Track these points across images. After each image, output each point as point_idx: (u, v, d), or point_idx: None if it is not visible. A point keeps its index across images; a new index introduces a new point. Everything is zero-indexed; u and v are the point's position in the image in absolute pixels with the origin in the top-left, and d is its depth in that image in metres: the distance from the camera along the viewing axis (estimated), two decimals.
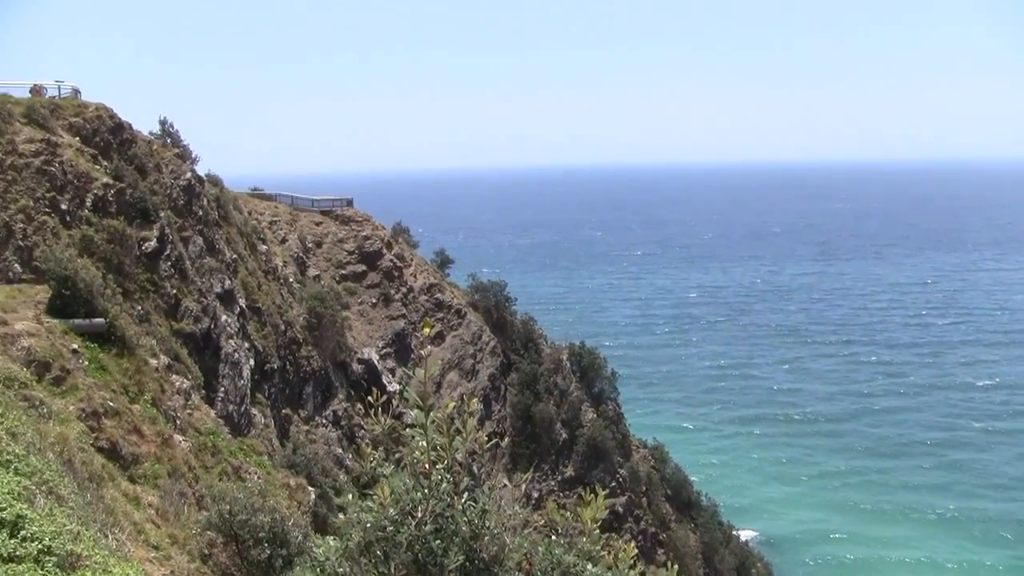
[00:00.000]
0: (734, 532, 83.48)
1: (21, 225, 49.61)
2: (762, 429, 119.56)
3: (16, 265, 48.07)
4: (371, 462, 8.23)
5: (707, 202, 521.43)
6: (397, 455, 8.11)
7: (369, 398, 8.33)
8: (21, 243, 49.00)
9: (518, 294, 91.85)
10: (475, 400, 8.11)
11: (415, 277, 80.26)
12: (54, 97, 60.35)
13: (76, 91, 62.65)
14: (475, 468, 8.00)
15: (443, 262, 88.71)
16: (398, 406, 62.17)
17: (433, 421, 7.86)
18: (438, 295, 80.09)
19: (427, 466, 7.83)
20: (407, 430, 8.02)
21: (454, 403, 7.88)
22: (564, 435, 76.96)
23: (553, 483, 75.37)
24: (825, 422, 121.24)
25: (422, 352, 7.93)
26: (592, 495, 8.40)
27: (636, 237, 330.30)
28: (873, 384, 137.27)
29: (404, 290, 78.69)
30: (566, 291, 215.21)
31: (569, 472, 76.07)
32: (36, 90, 59.84)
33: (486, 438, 8.07)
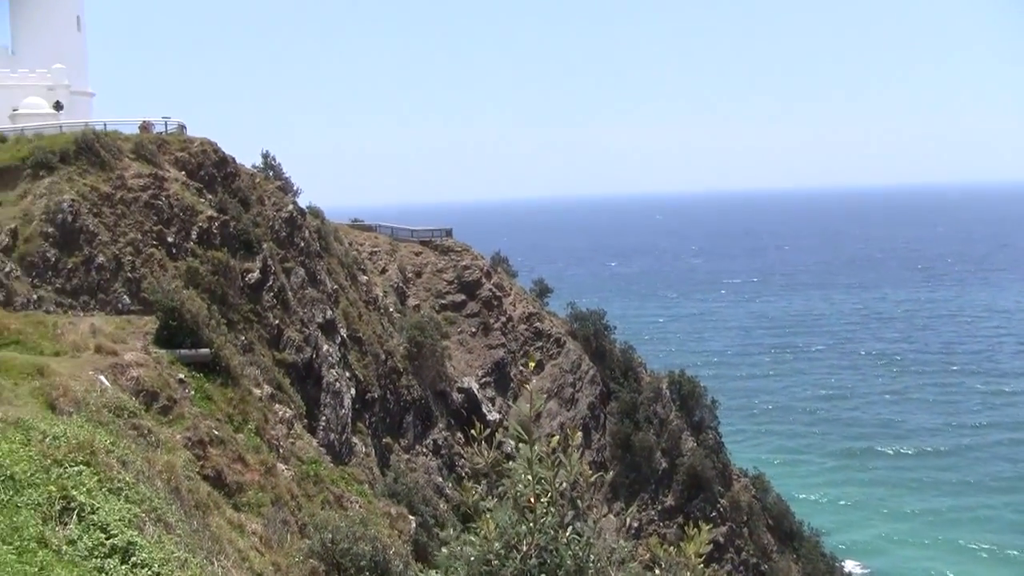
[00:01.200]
0: (837, 564, 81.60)
1: (130, 258, 50.84)
2: (866, 461, 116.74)
3: (125, 297, 49.22)
4: (473, 495, 8.21)
5: (807, 228, 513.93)
6: (500, 488, 8.09)
7: (472, 431, 8.32)
8: (130, 275, 50.20)
9: (617, 322, 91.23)
10: (578, 433, 8.06)
11: (514, 306, 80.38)
12: (161, 133, 61.89)
13: (182, 126, 64.16)
14: (579, 501, 7.95)
15: (542, 291, 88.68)
16: (499, 437, 62.20)
17: (537, 454, 7.82)
18: (537, 324, 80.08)
19: (531, 499, 7.79)
20: (510, 463, 8.00)
21: (557, 435, 7.85)
22: (664, 464, 76.29)
23: (653, 512, 74.71)
24: (932, 455, 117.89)
25: (526, 386, 7.91)
26: (696, 529, 8.28)
27: (737, 264, 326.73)
28: (982, 415, 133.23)
29: (503, 319, 78.84)
30: (666, 319, 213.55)
31: (669, 501, 75.34)
32: (144, 126, 61.44)
33: (590, 471, 8.01)
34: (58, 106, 67.17)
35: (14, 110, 65.38)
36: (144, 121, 62.48)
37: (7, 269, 44.80)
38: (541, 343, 79.10)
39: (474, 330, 77.71)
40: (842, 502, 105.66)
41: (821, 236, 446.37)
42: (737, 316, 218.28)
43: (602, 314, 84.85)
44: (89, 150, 53.46)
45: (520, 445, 7.87)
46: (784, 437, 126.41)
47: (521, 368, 77.09)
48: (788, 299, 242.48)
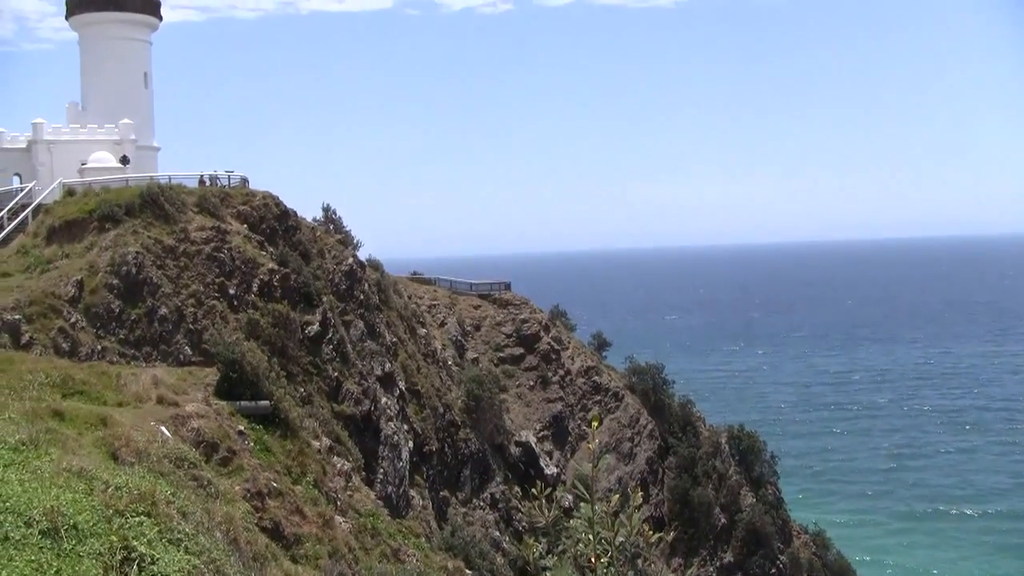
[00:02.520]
0: None
1: (192, 309, 51.47)
2: (933, 523, 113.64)
3: (187, 348, 49.79)
4: (534, 553, 8.16)
5: (868, 280, 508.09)
6: (560, 546, 8.04)
7: (533, 489, 8.28)
8: (191, 327, 50.80)
9: (676, 376, 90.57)
10: (639, 493, 7.99)
11: (573, 360, 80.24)
12: (224, 186, 62.89)
13: (244, 180, 65.21)
14: (639, 561, 7.86)
15: (601, 344, 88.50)
16: (556, 491, 61.75)
17: (597, 513, 7.77)
18: (596, 378, 79.84)
19: (592, 559, 7.72)
20: (571, 521, 7.94)
21: (618, 494, 7.79)
22: (723, 520, 75.43)
23: (712, 569, 73.75)
24: (1001, 517, 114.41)
25: (589, 445, 7.88)
26: None
27: (797, 317, 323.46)
28: None
29: (562, 373, 78.72)
30: (725, 374, 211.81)
31: (728, 558, 74.38)
32: (202, 181, 62.53)
33: (651, 531, 7.93)
34: (125, 160, 68.46)
35: (82, 164, 66.72)
36: (205, 174, 63.59)
37: (73, 320, 45.50)
38: (599, 397, 78.82)
39: (532, 383, 77.62)
40: (908, 565, 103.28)
41: (883, 288, 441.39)
42: (798, 370, 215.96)
43: (660, 368, 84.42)
44: (154, 203, 54.40)
45: (581, 504, 7.82)
46: (846, 497, 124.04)
47: (579, 422, 76.85)
48: (849, 353, 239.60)
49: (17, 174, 69.52)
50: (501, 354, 78.72)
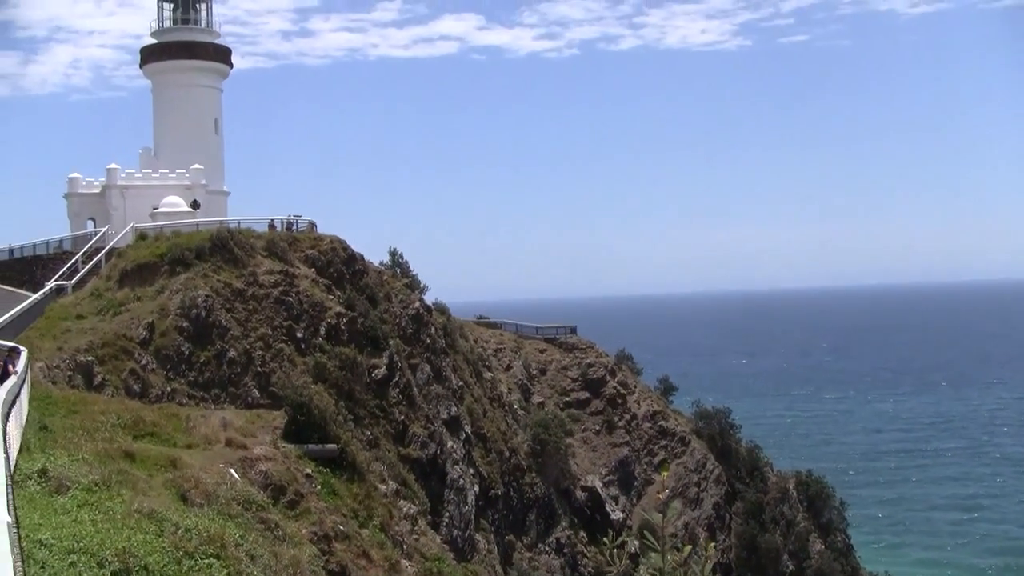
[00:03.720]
0: None
1: (260, 352, 51.97)
2: None
3: (255, 390, 50.23)
4: None
5: (940, 323, 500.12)
6: None
7: (605, 539, 8.23)
8: (260, 369, 51.26)
9: (743, 421, 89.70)
10: (712, 544, 7.91)
11: (639, 404, 79.80)
12: (292, 230, 63.63)
13: (312, 224, 65.89)
14: None
15: (667, 389, 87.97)
16: (623, 537, 61.12)
17: (668, 564, 7.69)
18: (662, 422, 79.31)
19: None
20: (640, 570, 7.87)
21: (689, 546, 7.71)
22: (791, 567, 74.31)
23: None
24: None
25: (659, 495, 7.83)
26: None
27: (867, 361, 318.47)
28: None
29: (628, 417, 78.28)
30: (794, 419, 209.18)
31: None
32: (272, 226, 63.31)
33: None
34: (195, 205, 69.52)
35: (154, 208, 67.88)
36: (275, 219, 64.45)
37: (144, 362, 46.13)
38: (666, 442, 78.24)
39: (598, 428, 77.28)
40: None
41: (953, 332, 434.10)
42: (867, 416, 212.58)
43: (728, 412, 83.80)
44: (223, 247, 55.16)
45: (651, 553, 7.75)
46: (919, 547, 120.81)
47: (645, 467, 76.28)
48: (920, 398, 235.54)
49: (91, 218, 71.01)
50: (567, 398, 78.52)
